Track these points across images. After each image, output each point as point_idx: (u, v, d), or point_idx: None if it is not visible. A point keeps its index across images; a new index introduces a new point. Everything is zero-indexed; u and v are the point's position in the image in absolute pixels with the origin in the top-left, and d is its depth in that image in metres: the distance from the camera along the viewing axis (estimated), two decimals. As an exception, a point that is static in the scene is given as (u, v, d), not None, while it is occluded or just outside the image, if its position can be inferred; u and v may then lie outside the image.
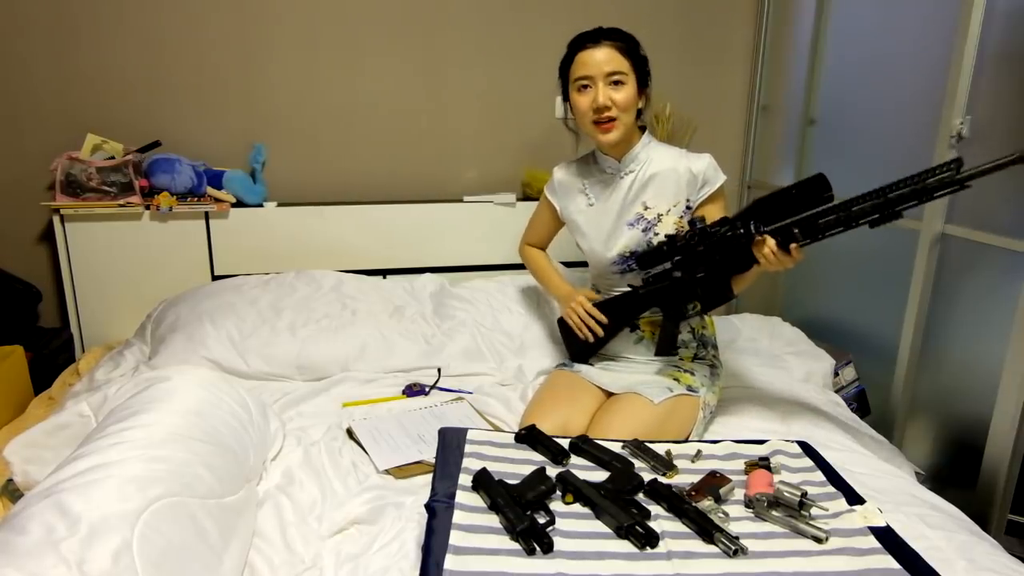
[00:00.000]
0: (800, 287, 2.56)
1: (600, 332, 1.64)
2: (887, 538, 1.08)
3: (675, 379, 1.60)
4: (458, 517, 1.07)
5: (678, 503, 1.13)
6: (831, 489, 1.21)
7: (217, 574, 0.98)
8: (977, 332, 1.78)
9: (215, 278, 2.22)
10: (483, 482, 1.14)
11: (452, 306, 2.11)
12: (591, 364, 1.74)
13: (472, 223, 2.39)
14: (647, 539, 1.04)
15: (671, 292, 1.56)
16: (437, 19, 2.36)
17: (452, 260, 2.40)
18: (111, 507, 0.90)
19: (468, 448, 1.27)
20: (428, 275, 2.28)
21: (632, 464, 1.26)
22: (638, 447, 1.31)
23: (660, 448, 1.32)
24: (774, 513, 1.13)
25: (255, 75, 2.28)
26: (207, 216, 2.18)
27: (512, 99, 2.45)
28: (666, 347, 1.59)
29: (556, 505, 1.14)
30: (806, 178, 1.32)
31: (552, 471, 1.20)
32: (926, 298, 1.90)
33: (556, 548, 1.03)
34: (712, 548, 1.05)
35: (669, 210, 1.61)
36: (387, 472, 1.39)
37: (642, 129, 1.66)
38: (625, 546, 1.05)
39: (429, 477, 1.20)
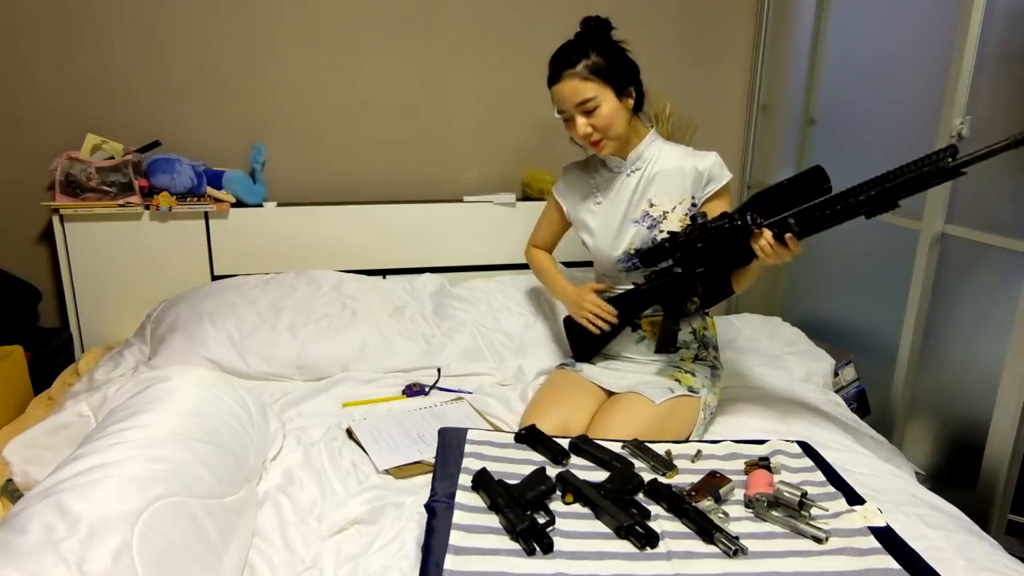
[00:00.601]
0: (800, 287, 2.56)
1: (614, 322, 1.63)
2: (887, 538, 1.08)
3: (676, 380, 1.60)
4: (458, 517, 1.07)
5: (678, 503, 1.13)
6: (831, 489, 1.21)
7: (217, 574, 0.98)
8: (977, 332, 1.78)
9: (215, 278, 2.22)
10: (483, 482, 1.14)
11: (452, 306, 2.11)
12: (592, 363, 1.74)
13: (472, 223, 2.39)
14: (647, 539, 1.04)
15: (671, 288, 1.56)
16: (437, 19, 2.36)
17: (452, 260, 2.40)
18: (111, 507, 0.90)
19: (468, 448, 1.27)
20: (428, 275, 2.28)
21: (632, 464, 1.26)
22: (638, 447, 1.31)
23: (660, 448, 1.32)
24: (774, 513, 1.13)
25: (255, 75, 2.28)
26: (207, 216, 2.18)
27: (512, 99, 2.45)
28: (666, 344, 1.59)
29: (556, 505, 1.14)
30: (803, 170, 1.32)
31: (552, 471, 1.20)
32: (926, 298, 1.90)
33: (556, 548, 1.03)
34: (712, 548, 1.05)
35: (675, 207, 1.61)
36: (387, 472, 1.39)
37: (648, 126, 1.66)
38: (625, 546, 1.05)
39: (429, 477, 1.20)
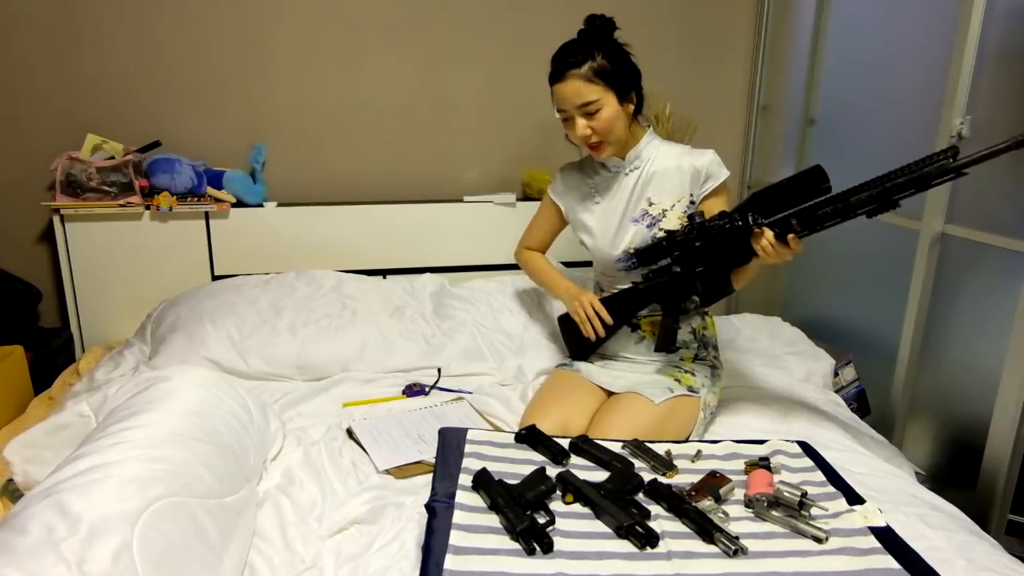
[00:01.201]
0: (800, 287, 2.56)
1: (602, 332, 1.64)
2: (887, 538, 1.08)
3: (676, 380, 1.60)
4: (458, 517, 1.07)
5: (678, 503, 1.13)
6: (831, 489, 1.21)
7: (217, 574, 0.98)
8: (977, 332, 1.78)
9: (215, 278, 2.22)
10: (483, 482, 1.14)
11: (452, 306, 2.11)
12: (591, 363, 1.74)
13: (472, 223, 2.39)
14: (647, 539, 1.04)
15: (670, 287, 1.56)
16: (437, 19, 2.36)
17: (452, 260, 2.40)
18: (111, 507, 0.90)
19: (468, 448, 1.27)
20: (428, 275, 2.28)
21: (632, 464, 1.26)
22: (638, 447, 1.31)
23: (660, 448, 1.32)
24: (774, 513, 1.13)
25: (255, 75, 2.28)
26: (207, 216, 2.18)
27: (512, 99, 2.45)
28: (665, 343, 1.59)
29: (556, 505, 1.14)
30: (803, 170, 1.32)
31: (552, 471, 1.20)
32: (926, 298, 1.90)
33: (556, 548, 1.03)
34: (712, 548, 1.05)
35: (673, 205, 1.62)
36: (387, 472, 1.39)
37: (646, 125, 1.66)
38: (625, 546, 1.05)
39: (429, 477, 1.20)
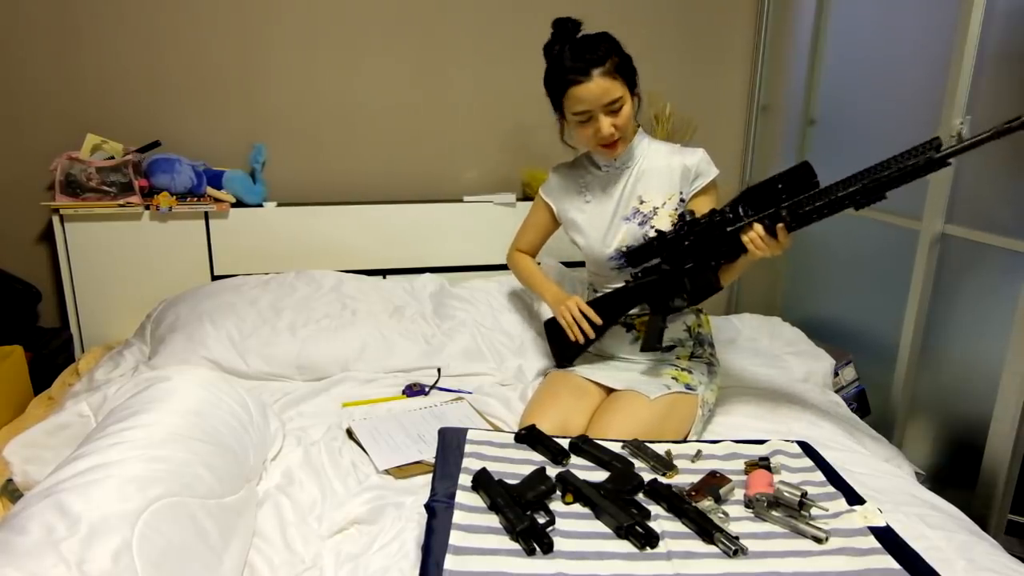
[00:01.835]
0: (800, 287, 2.56)
1: (591, 333, 1.63)
2: (887, 538, 1.08)
3: (673, 377, 1.60)
4: (458, 517, 1.07)
5: (678, 503, 1.13)
6: (831, 489, 1.21)
7: (217, 574, 0.98)
8: (977, 332, 1.78)
9: (215, 278, 2.22)
10: (483, 482, 1.14)
11: (452, 306, 2.10)
12: (590, 364, 1.74)
13: (472, 223, 2.39)
14: (647, 539, 1.04)
15: (659, 285, 1.56)
16: (437, 19, 2.36)
17: (452, 260, 2.40)
18: (111, 507, 0.90)
19: (468, 448, 1.27)
20: (428, 275, 2.28)
21: (632, 464, 1.26)
22: (638, 447, 1.31)
23: (660, 448, 1.32)
24: (774, 513, 1.13)
25: (255, 75, 2.28)
26: (207, 216, 2.18)
27: (512, 99, 2.45)
28: (652, 341, 1.57)
29: (556, 505, 1.14)
30: (792, 167, 1.32)
31: (552, 471, 1.20)
32: (926, 298, 1.90)
33: (556, 548, 1.03)
34: (712, 548, 1.05)
35: (664, 203, 1.62)
36: (387, 472, 1.39)
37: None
38: (625, 546, 1.05)
39: (429, 477, 1.20)
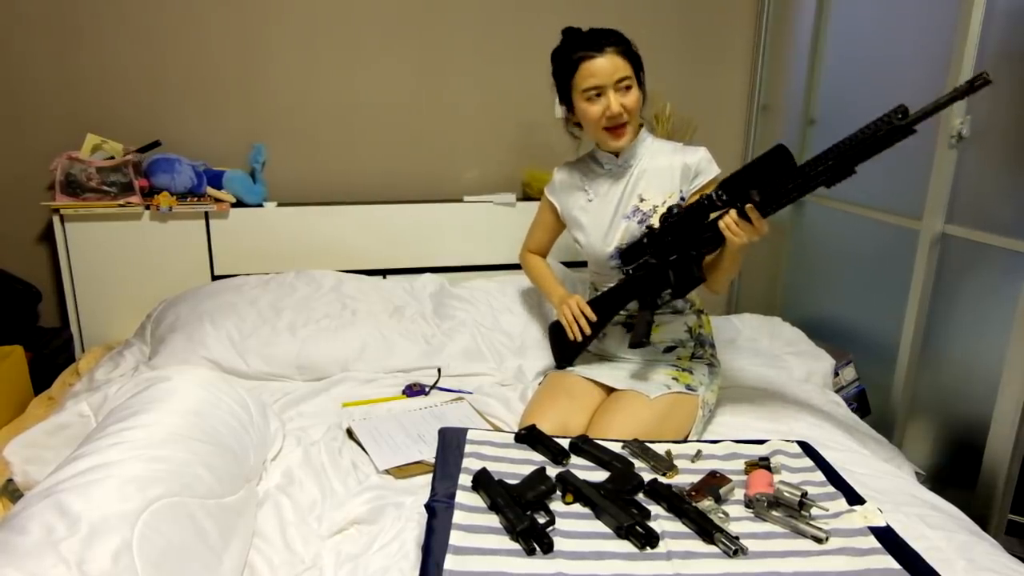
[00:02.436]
0: (800, 287, 2.56)
1: (588, 330, 1.64)
2: (887, 538, 1.07)
3: (674, 378, 1.60)
4: (458, 517, 1.07)
5: (678, 503, 1.13)
6: (831, 489, 1.21)
7: (217, 574, 0.98)
8: (977, 332, 1.78)
9: (215, 278, 2.22)
10: (483, 482, 1.14)
11: (452, 306, 2.11)
12: (590, 364, 1.74)
13: (472, 223, 2.39)
14: (647, 539, 1.04)
15: (646, 280, 1.56)
16: (437, 19, 2.36)
17: (452, 260, 2.40)
18: (111, 507, 0.90)
19: (468, 448, 1.27)
20: (428, 275, 2.28)
21: (632, 464, 1.26)
22: (638, 447, 1.31)
23: (660, 448, 1.32)
24: (774, 513, 1.13)
25: (255, 75, 2.28)
26: (207, 216, 2.18)
27: (512, 99, 2.45)
28: (639, 336, 1.57)
29: (556, 505, 1.14)
30: (767, 151, 1.31)
31: (552, 471, 1.20)
32: (926, 298, 1.90)
33: (556, 548, 1.03)
34: (712, 548, 1.05)
35: (664, 202, 1.62)
36: (387, 472, 1.39)
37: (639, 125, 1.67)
38: (625, 546, 1.05)
39: (429, 477, 1.20)
